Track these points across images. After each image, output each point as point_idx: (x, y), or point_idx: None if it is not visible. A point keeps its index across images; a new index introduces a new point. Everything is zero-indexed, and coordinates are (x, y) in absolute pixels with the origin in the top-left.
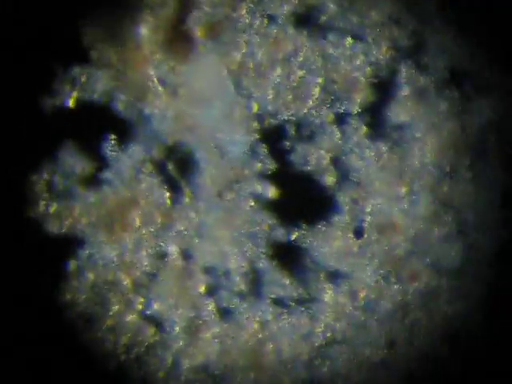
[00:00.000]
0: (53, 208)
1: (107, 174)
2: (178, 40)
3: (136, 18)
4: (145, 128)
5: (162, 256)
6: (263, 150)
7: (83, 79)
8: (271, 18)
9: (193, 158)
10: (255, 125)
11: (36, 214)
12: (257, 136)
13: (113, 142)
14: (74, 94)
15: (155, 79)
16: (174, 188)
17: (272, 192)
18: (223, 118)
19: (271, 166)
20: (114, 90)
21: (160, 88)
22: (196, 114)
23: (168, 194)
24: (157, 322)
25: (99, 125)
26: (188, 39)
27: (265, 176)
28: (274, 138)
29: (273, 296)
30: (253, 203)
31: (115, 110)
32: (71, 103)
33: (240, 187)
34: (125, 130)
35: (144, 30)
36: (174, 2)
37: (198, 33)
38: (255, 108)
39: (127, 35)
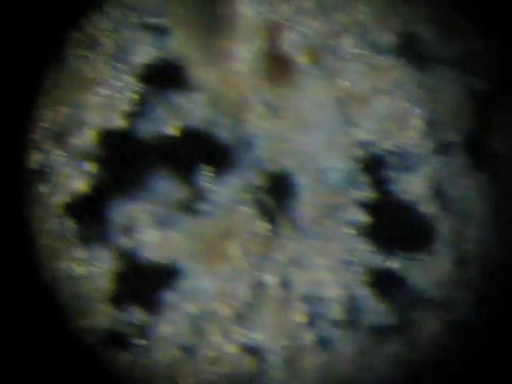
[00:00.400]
0: (152, 236)
1: (205, 205)
2: (275, 65)
3: (233, 41)
4: (245, 154)
5: (260, 286)
6: (363, 178)
7: (183, 105)
8: (376, 48)
9: (292, 183)
10: (357, 152)
11: (135, 242)
12: (357, 164)
13: (211, 172)
14: (173, 121)
15: (256, 103)
16: (272, 217)
17: (370, 220)
18: (325, 144)
19: (370, 194)
20: (214, 115)
21: (261, 112)
22: (298, 139)
23: (266, 224)
24: (256, 352)
25: (198, 152)
26: (285, 64)
27: (363, 204)
28: (374, 166)
29: (370, 323)
30: (350, 230)
31: (215, 135)
32: (170, 130)
33: (338, 214)
34: (224, 158)
35: (242, 54)
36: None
37: (299, 59)
38: (358, 136)
39: (226, 58)
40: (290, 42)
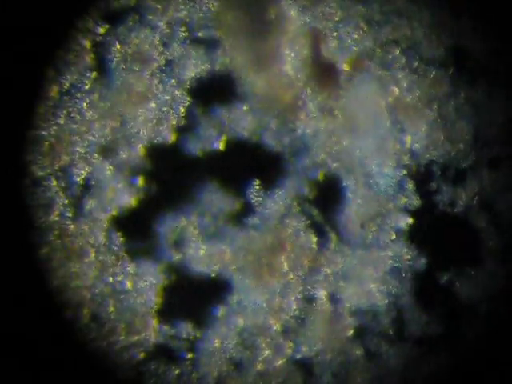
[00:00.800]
0: (201, 250)
1: (254, 219)
2: (320, 71)
3: (280, 45)
4: (294, 162)
5: (310, 300)
6: (411, 186)
7: (231, 117)
8: (427, 60)
9: (340, 188)
10: (406, 160)
11: (185, 255)
12: (405, 171)
13: (260, 185)
14: (222, 133)
15: (306, 107)
16: (320, 231)
17: (418, 230)
18: (375, 150)
19: (418, 202)
20: (264, 122)
21: (312, 116)
22: (348, 143)
23: (315, 239)
24: (306, 366)
25: (247, 165)
26: (330, 71)
27: (411, 213)
28: (423, 177)
29: (417, 334)
30: (398, 239)
31: (264, 146)
32: (219, 142)
33: (385, 222)
34: (273, 169)
35: (289, 58)
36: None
37: (344, 66)
38: (408, 143)
39: (274, 61)
40: (334, 49)
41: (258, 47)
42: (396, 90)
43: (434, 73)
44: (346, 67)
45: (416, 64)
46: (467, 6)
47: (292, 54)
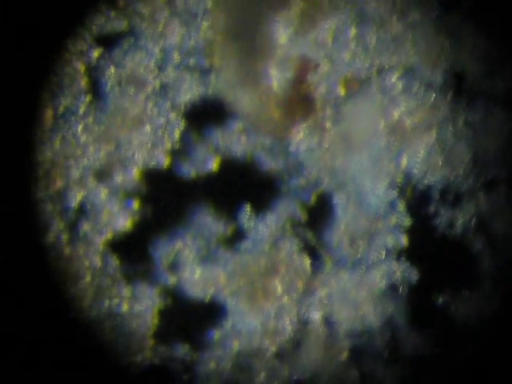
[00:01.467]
0: (195, 273)
1: (247, 241)
2: (297, 99)
3: (269, 65)
4: (287, 182)
5: (304, 323)
6: (401, 206)
7: (224, 139)
8: (425, 84)
9: (330, 202)
10: (399, 180)
11: (179, 279)
12: (398, 191)
13: (252, 208)
14: (214, 156)
15: (297, 124)
16: (314, 253)
17: (413, 251)
18: (369, 168)
19: (407, 223)
20: (256, 142)
21: (305, 134)
22: (343, 159)
23: (308, 261)
24: None
25: (240, 187)
26: (307, 101)
27: (405, 233)
28: (419, 197)
29: (412, 355)
30: (391, 259)
31: (257, 167)
32: (212, 165)
33: (377, 241)
34: (266, 191)
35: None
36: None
37: (341, 89)
38: (404, 164)
39: (262, 79)
40: (320, 77)
41: (246, 65)
42: (394, 114)
43: (432, 97)
44: (341, 89)
45: (414, 88)
46: (464, 28)
47: (278, 76)
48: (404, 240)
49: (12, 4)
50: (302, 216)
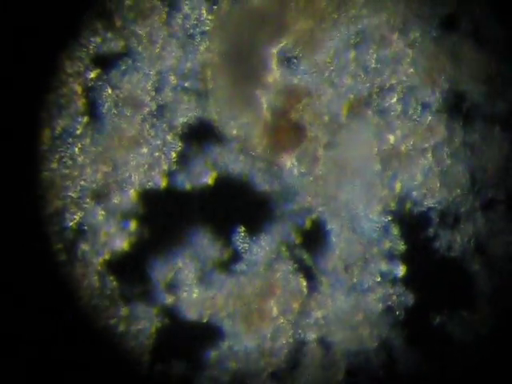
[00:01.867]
0: (192, 294)
1: (243, 263)
2: (284, 129)
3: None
4: (282, 205)
5: (300, 344)
6: (396, 230)
7: (219, 159)
8: (423, 106)
9: (324, 228)
10: (393, 205)
11: (177, 299)
12: (392, 216)
13: (244, 233)
14: (210, 176)
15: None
16: (310, 275)
17: (410, 273)
18: (363, 193)
19: (401, 247)
20: (251, 164)
21: (298, 159)
22: (336, 184)
23: (304, 282)
24: None
25: (235, 209)
26: (294, 130)
27: (402, 257)
28: (416, 222)
29: (408, 375)
30: (381, 281)
31: (252, 188)
32: (208, 185)
33: (372, 266)
34: (261, 212)
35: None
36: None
37: (343, 112)
38: (398, 189)
39: (254, 104)
40: (309, 109)
41: (238, 89)
42: (391, 138)
43: (430, 118)
44: (343, 113)
45: (412, 110)
46: (464, 48)
47: (269, 103)
48: (399, 264)
49: (10, 23)
50: (297, 239)
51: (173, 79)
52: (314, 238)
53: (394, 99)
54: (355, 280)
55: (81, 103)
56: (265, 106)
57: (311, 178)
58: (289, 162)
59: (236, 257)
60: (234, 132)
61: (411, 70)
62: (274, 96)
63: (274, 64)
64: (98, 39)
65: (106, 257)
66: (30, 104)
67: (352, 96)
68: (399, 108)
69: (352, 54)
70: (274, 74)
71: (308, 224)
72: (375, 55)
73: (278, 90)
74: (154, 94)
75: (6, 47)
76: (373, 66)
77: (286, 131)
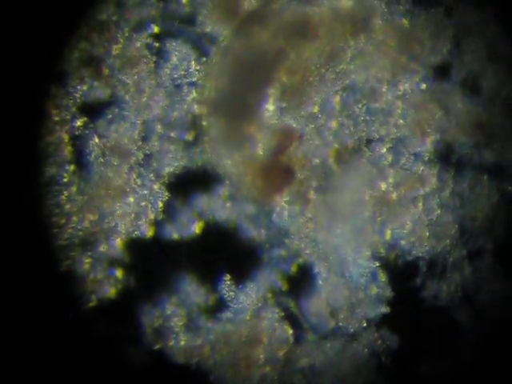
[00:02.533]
0: (179, 341)
1: (228, 313)
2: (275, 171)
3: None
4: (269, 251)
5: None
6: (383, 277)
7: (207, 210)
8: (415, 156)
9: (311, 272)
10: (382, 251)
11: (164, 345)
12: (380, 262)
13: (234, 278)
14: (197, 224)
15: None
16: (295, 322)
17: (396, 321)
18: (352, 238)
19: (389, 293)
20: (239, 208)
21: (288, 201)
22: (326, 229)
23: (290, 331)
24: None
25: (222, 257)
26: (285, 174)
27: (387, 303)
28: (403, 271)
29: None
30: (367, 327)
31: (239, 235)
32: (195, 233)
33: (355, 309)
34: (248, 259)
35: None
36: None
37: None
38: (387, 236)
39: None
40: (303, 148)
41: (232, 131)
42: (382, 186)
43: (420, 168)
44: (327, 160)
45: (403, 159)
46: (454, 97)
47: (263, 144)
48: (386, 310)
49: None
50: (283, 285)
51: (159, 128)
52: (301, 282)
53: (384, 149)
54: (341, 325)
55: (67, 151)
56: (259, 146)
57: (300, 221)
58: (279, 203)
59: (222, 305)
60: (227, 170)
61: (401, 121)
62: (268, 137)
63: (267, 106)
64: (85, 87)
65: (93, 304)
66: (17, 151)
67: (336, 145)
68: (390, 157)
69: (339, 106)
70: (268, 115)
71: (295, 269)
72: (364, 107)
73: (272, 132)
74: (140, 143)
75: None
76: (362, 118)
77: (279, 172)
